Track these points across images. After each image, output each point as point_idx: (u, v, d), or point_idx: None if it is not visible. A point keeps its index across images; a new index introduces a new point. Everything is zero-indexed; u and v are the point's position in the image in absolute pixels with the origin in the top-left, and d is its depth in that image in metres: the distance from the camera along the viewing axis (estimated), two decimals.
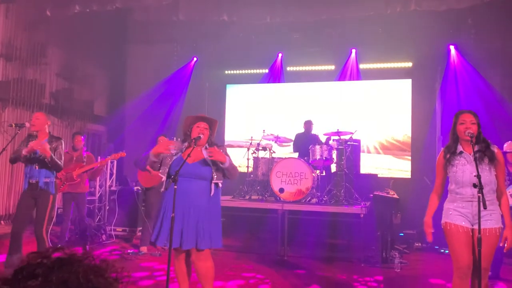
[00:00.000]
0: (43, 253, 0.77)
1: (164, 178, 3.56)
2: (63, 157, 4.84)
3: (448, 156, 3.23)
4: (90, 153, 6.68)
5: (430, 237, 3.31)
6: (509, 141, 5.10)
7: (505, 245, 3.09)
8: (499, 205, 3.16)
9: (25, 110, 8.33)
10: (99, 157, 7.31)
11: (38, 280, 0.71)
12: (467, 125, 3.16)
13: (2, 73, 8.12)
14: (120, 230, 7.25)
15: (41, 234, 4.58)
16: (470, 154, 3.12)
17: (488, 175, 3.10)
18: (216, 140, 3.84)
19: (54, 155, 4.66)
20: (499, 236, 3.13)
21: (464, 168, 3.14)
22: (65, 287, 0.72)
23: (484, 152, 3.13)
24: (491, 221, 3.09)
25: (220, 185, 3.59)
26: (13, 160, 4.82)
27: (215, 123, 3.71)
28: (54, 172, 4.77)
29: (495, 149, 3.16)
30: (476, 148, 3.15)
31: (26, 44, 8.45)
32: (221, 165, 3.51)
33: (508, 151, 5.01)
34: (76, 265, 0.75)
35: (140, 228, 6.72)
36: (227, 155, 3.61)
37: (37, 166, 4.66)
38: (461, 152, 3.18)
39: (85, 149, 6.61)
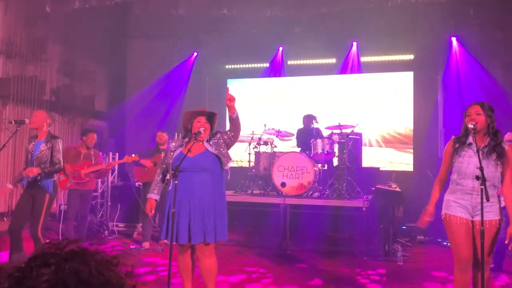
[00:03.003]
0: (57, 245, 0.79)
1: (168, 176, 3.56)
2: (61, 154, 4.72)
3: (457, 146, 3.21)
4: (97, 150, 6.58)
5: (423, 224, 3.33)
6: (509, 132, 5.08)
7: (510, 242, 3.07)
8: (506, 200, 3.14)
9: (26, 107, 8.31)
10: (100, 154, 7.28)
11: (51, 268, 0.74)
12: (472, 116, 3.14)
13: (2, 70, 8.10)
14: (122, 225, 7.26)
15: (36, 234, 4.50)
16: (480, 147, 3.09)
17: (493, 171, 3.08)
18: None
19: (51, 154, 4.60)
20: (499, 227, 3.12)
21: (470, 160, 3.12)
22: (77, 277, 0.74)
23: (494, 147, 3.10)
24: (490, 212, 3.09)
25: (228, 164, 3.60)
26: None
27: (215, 117, 3.70)
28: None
29: (506, 146, 3.13)
30: (487, 141, 3.13)
31: (25, 41, 8.42)
32: (230, 115, 3.52)
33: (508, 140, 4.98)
34: (88, 258, 0.77)
35: (141, 224, 6.72)
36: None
37: (35, 164, 4.61)
38: (470, 144, 3.15)
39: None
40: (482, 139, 3.16)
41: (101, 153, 7.34)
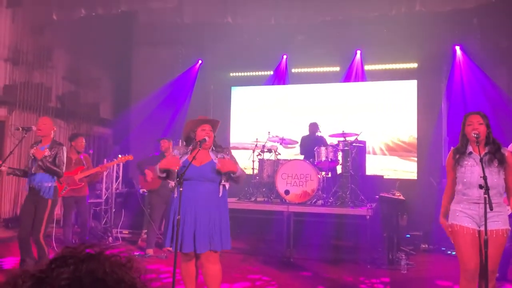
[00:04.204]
0: (76, 248, 0.88)
1: (173, 183, 3.57)
2: (64, 163, 4.78)
3: (457, 156, 3.22)
4: (87, 154, 6.61)
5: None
6: None
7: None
8: (510, 206, 3.13)
9: (32, 113, 8.38)
10: (105, 160, 7.31)
11: (70, 268, 0.82)
12: (474, 126, 3.15)
13: (9, 77, 8.19)
14: (127, 232, 7.28)
15: (38, 239, 4.51)
16: (480, 155, 3.10)
17: (496, 178, 3.08)
18: (221, 143, 3.86)
19: (55, 161, 4.64)
20: (506, 237, 3.11)
21: (473, 169, 3.12)
22: (93, 276, 0.82)
23: (494, 154, 3.10)
24: (498, 222, 3.07)
25: (227, 187, 3.61)
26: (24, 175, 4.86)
27: (217, 124, 3.74)
28: (54, 177, 4.73)
29: (505, 152, 3.13)
30: (486, 149, 3.13)
31: (32, 48, 8.52)
32: (232, 175, 3.53)
33: None
34: (103, 260, 0.86)
35: (146, 231, 6.74)
36: (233, 158, 3.65)
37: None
38: (470, 153, 3.16)
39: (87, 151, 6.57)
40: (482, 148, 3.17)
41: (105, 159, 7.38)
